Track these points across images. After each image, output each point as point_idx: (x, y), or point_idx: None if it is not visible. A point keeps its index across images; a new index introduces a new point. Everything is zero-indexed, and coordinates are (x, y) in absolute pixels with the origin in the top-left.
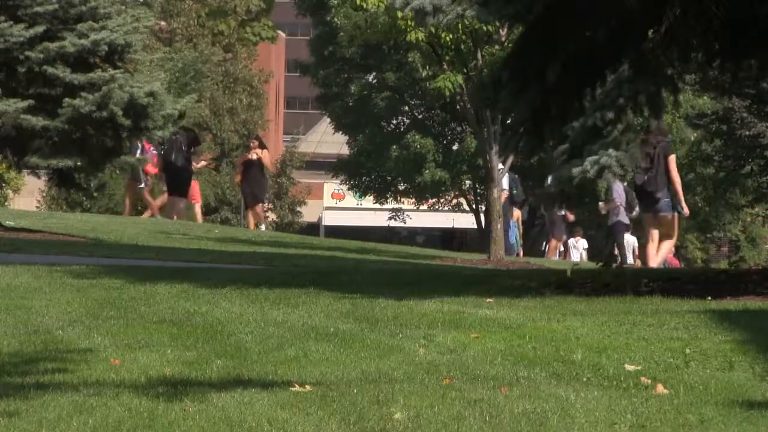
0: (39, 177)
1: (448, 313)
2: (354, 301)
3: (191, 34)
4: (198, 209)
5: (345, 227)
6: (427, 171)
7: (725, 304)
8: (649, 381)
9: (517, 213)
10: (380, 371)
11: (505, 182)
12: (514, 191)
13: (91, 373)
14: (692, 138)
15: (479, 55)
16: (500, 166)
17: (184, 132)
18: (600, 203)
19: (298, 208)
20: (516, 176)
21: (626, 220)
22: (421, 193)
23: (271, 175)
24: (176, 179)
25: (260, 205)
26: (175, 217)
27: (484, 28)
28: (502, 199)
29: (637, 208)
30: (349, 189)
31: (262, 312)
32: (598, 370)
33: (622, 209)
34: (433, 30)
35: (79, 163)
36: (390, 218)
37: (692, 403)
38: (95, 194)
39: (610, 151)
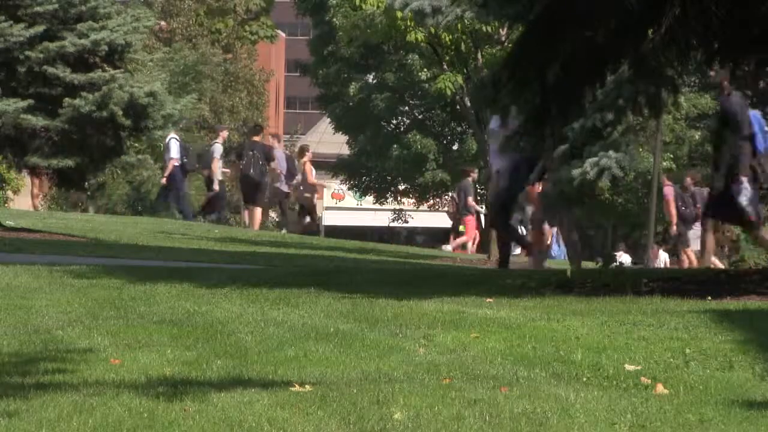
0: (39, 177)
1: (448, 313)
2: (354, 301)
3: (191, 34)
4: (469, 245)
5: (345, 227)
6: (428, 172)
7: (725, 304)
8: (649, 381)
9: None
10: (380, 371)
11: (174, 150)
12: (185, 159)
13: (91, 373)
14: (696, 137)
15: (479, 55)
16: None
17: (261, 147)
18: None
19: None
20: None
21: (285, 189)
22: (422, 194)
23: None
24: (253, 191)
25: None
26: (255, 227)
27: (484, 28)
28: (169, 168)
29: (298, 176)
30: (349, 189)
31: (262, 312)
32: (598, 370)
33: (283, 177)
34: (432, 31)
35: (79, 163)
36: (393, 219)
37: (692, 403)
38: (95, 194)
39: (610, 152)
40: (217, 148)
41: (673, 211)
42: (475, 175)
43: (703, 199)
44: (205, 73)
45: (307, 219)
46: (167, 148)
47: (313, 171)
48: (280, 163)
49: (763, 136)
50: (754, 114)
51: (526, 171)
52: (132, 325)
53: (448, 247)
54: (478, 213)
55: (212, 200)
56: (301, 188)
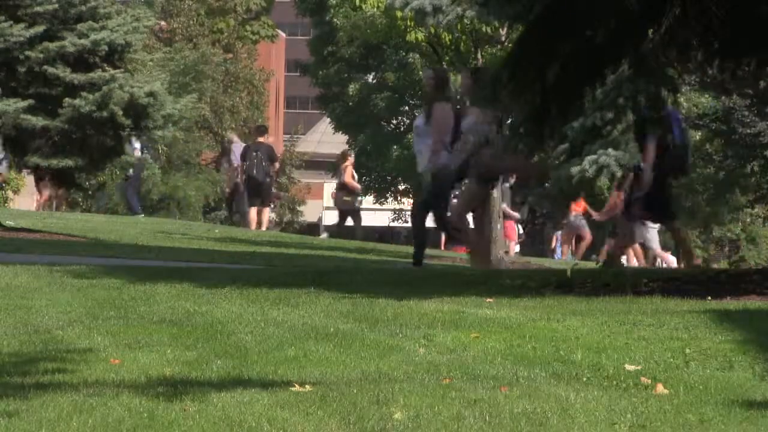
0: (41, 178)
1: (448, 313)
2: (354, 301)
3: (191, 34)
4: (512, 246)
5: (345, 227)
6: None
7: (725, 304)
8: (649, 381)
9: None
10: (380, 371)
11: (137, 146)
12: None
13: (91, 373)
14: (697, 137)
15: (479, 55)
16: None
17: (266, 148)
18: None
19: (299, 208)
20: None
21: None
22: None
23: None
24: (257, 192)
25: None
26: (263, 227)
27: (484, 28)
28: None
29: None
30: None
31: (262, 312)
32: (598, 370)
33: (239, 171)
34: (432, 30)
35: (79, 163)
36: (393, 219)
37: (692, 403)
38: (94, 193)
39: (609, 150)
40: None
41: (612, 202)
42: (512, 181)
43: None
44: (206, 73)
45: (348, 222)
46: (130, 142)
47: (355, 175)
48: (236, 158)
49: (680, 130)
50: (670, 108)
51: (453, 174)
52: (132, 325)
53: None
54: (513, 218)
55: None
56: (340, 192)
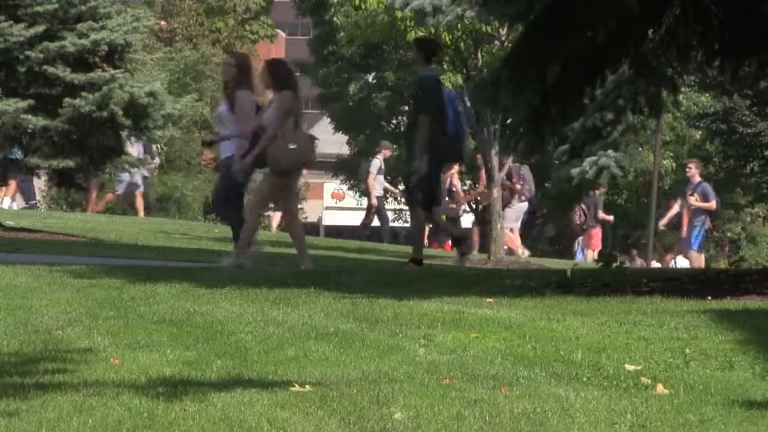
0: (39, 177)
1: (448, 313)
2: (354, 301)
3: (191, 33)
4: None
5: (345, 227)
6: None
7: (725, 304)
8: (649, 381)
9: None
10: (380, 371)
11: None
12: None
13: (91, 373)
14: (697, 136)
15: (479, 55)
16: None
17: None
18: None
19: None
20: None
21: (146, 173)
22: None
23: None
24: None
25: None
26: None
27: (484, 28)
28: None
29: (156, 160)
30: (349, 189)
31: (262, 312)
32: (598, 370)
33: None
34: (433, 30)
35: (79, 163)
36: (393, 219)
37: (692, 403)
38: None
39: (610, 152)
40: (375, 164)
41: (481, 187)
42: (603, 188)
43: (519, 176)
44: (206, 73)
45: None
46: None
47: (459, 183)
48: (138, 151)
49: (455, 118)
50: (448, 93)
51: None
52: (132, 325)
53: (580, 257)
54: (604, 222)
55: (368, 214)
56: (446, 199)
